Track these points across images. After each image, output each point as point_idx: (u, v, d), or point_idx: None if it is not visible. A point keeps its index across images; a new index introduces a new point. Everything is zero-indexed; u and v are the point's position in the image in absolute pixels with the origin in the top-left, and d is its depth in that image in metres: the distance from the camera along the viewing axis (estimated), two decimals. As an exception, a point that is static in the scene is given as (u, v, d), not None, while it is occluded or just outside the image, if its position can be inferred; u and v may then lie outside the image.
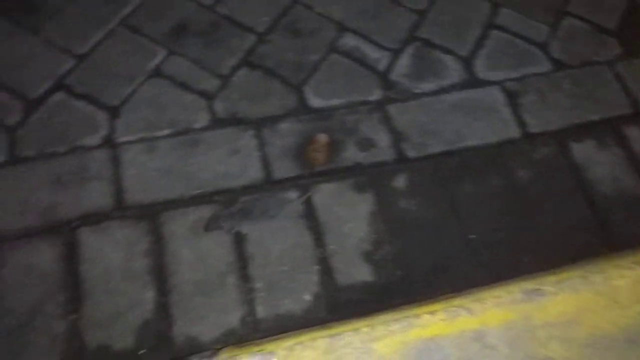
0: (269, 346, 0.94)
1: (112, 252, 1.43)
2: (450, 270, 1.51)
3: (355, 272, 1.47)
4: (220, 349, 1.04)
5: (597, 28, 1.99)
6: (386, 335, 0.96)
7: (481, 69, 1.86)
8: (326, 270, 1.47)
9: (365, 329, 0.96)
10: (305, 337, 0.95)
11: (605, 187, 1.65)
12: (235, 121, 1.67)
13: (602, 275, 1.08)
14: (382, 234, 1.53)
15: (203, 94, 1.71)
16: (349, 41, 1.87)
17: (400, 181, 1.61)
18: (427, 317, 0.99)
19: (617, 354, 1.00)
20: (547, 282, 1.06)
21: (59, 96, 1.67)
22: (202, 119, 1.67)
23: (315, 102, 1.73)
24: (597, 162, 1.69)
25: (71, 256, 1.42)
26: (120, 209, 1.50)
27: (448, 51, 1.88)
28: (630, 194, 1.65)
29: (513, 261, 1.52)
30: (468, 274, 1.50)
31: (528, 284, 1.06)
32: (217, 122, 1.67)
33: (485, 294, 1.03)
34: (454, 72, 1.84)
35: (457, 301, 1.01)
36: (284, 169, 1.61)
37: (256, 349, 0.94)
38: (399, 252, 1.51)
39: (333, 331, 0.96)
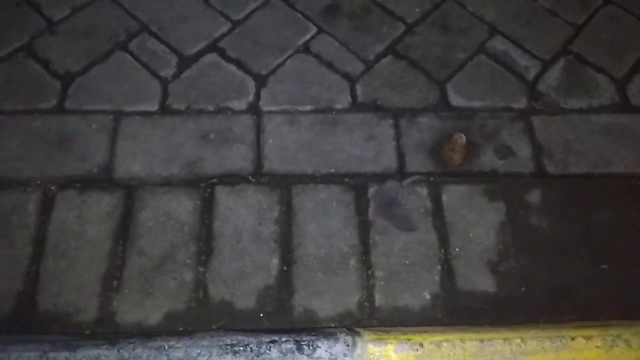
0: (416, 337, 0.94)
1: (244, 214, 1.48)
2: (575, 297, 1.44)
3: (477, 279, 1.44)
4: (359, 328, 1.05)
5: None
6: (538, 351, 0.93)
7: (635, 94, 1.75)
8: (448, 272, 1.44)
9: (517, 341, 0.94)
10: (454, 336, 0.94)
11: None
12: (374, 107, 1.67)
13: None
14: (509, 247, 1.48)
15: (346, 76, 1.73)
16: (499, 44, 1.81)
17: (535, 196, 1.55)
18: (582, 341, 0.95)
19: None
20: None
21: (211, 57, 1.74)
22: (343, 101, 1.68)
23: (456, 100, 1.70)
24: None
25: (207, 211, 1.48)
26: (257, 174, 1.54)
27: (601, 70, 1.78)
28: None
29: (646, 301, 1.43)
30: (593, 305, 1.43)
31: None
32: (357, 106, 1.68)
33: (645, 330, 0.98)
34: (605, 92, 1.74)
35: (615, 331, 0.96)
36: (416, 162, 1.59)
37: (403, 337, 0.94)
38: (524, 268, 1.46)
39: (483, 336, 0.94)
